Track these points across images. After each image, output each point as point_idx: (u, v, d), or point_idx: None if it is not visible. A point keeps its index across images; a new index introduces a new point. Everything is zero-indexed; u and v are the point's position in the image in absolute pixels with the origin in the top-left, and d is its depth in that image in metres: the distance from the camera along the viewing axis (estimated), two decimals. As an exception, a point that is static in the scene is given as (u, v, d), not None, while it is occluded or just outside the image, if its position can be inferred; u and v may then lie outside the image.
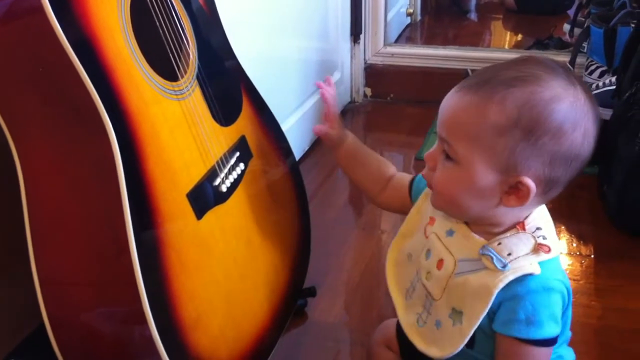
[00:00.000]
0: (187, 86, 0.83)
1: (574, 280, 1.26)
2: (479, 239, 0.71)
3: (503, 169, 0.66)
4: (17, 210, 0.75)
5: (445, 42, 2.70)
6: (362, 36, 2.12)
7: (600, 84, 1.66)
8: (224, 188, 0.87)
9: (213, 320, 0.83)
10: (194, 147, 0.83)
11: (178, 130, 0.80)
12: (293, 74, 1.72)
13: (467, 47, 2.29)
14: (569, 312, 0.72)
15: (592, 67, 1.78)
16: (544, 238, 0.70)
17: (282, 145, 1.08)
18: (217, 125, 0.89)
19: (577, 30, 2.26)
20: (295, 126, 1.68)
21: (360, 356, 1.09)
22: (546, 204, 0.74)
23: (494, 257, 0.68)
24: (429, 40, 2.80)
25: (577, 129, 0.65)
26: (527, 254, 0.68)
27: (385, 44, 2.22)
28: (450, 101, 0.69)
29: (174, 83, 0.81)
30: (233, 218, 0.90)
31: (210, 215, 0.84)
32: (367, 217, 1.52)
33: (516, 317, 0.67)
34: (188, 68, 0.84)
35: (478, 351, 0.73)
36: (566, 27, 2.44)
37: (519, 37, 2.97)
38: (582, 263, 1.32)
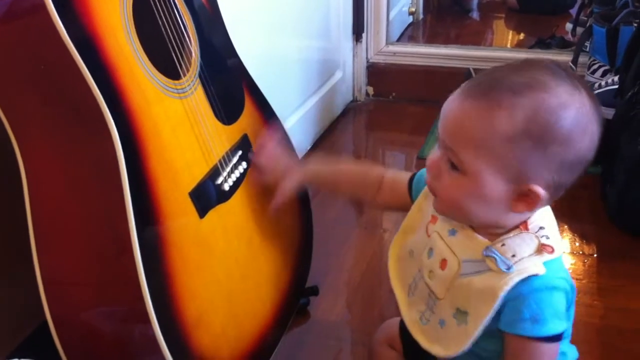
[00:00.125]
0: (189, 84, 0.83)
1: (576, 279, 1.26)
2: (483, 240, 0.70)
3: (513, 178, 0.66)
4: (18, 211, 0.75)
5: (447, 41, 2.70)
6: (364, 35, 2.12)
7: (603, 83, 1.65)
8: (226, 187, 0.87)
9: (215, 319, 0.83)
10: (196, 145, 0.83)
11: (180, 129, 0.80)
12: (295, 73, 1.71)
13: (469, 46, 2.29)
14: (572, 310, 0.72)
15: (595, 67, 1.78)
16: (547, 238, 0.70)
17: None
18: (219, 124, 0.88)
19: (579, 30, 2.25)
20: (297, 125, 1.68)
21: (362, 355, 1.09)
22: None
23: (498, 259, 0.68)
24: (431, 39, 2.80)
25: (585, 134, 0.65)
26: (531, 255, 0.68)
27: (388, 43, 2.21)
28: (454, 108, 0.68)
29: (176, 81, 0.81)
30: (235, 217, 0.90)
31: (212, 214, 0.83)
32: (368, 216, 1.52)
33: (521, 317, 0.67)
34: (190, 66, 0.84)
35: (478, 347, 0.73)
36: (568, 26, 2.43)
37: (521, 36, 2.97)
38: (584, 262, 1.32)
